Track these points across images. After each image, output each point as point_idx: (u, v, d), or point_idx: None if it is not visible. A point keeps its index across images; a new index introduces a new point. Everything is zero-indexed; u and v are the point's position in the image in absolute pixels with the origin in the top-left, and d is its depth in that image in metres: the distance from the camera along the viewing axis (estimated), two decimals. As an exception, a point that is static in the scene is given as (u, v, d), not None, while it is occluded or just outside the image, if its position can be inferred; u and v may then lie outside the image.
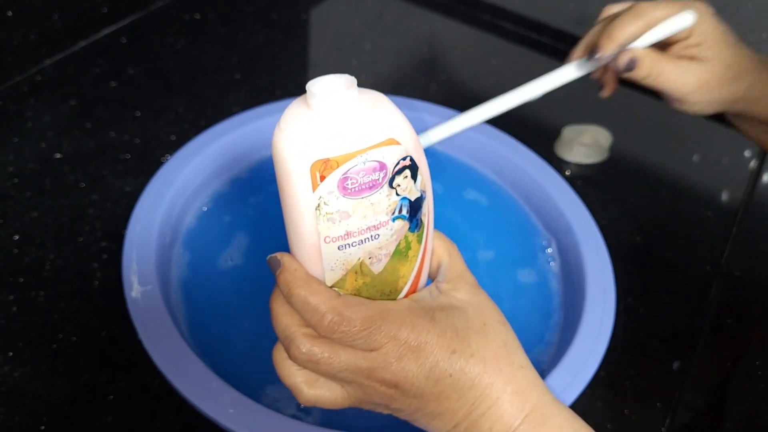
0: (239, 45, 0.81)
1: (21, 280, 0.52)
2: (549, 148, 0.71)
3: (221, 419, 0.36)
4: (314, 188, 0.28)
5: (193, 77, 0.75)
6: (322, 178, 0.28)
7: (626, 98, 0.81)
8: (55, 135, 0.65)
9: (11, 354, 0.48)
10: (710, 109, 0.49)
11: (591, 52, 0.48)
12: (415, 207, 0.30)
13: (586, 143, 0.70)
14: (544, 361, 0.45)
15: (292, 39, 0.84)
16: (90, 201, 0.59)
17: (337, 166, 0.28)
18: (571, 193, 0.54)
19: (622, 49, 0.47)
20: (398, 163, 0.29)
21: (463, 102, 0.76)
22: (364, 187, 0.28)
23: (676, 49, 0.48)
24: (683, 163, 0.72)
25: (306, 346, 0.29)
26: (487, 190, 0.58)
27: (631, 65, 0.46)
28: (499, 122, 0.59)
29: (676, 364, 0.53)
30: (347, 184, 0.28)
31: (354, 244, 0.30)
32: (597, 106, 0.78)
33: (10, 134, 0.65)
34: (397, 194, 0.30)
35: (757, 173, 0.71)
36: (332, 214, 0.29)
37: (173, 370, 0.37)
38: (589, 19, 0.90)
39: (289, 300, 0.30)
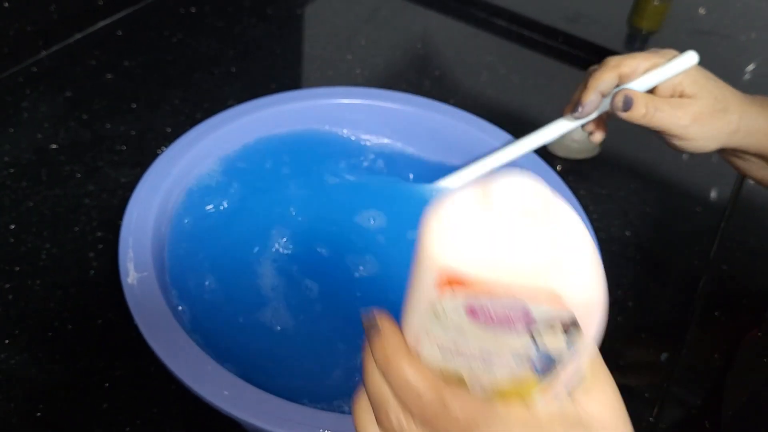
0: (235, 38, 0.82)
1: (17, 268, 0.53)
2: (541, 144, 0.72)
3: (217, 402, 0.36)
4: (441, 294, 0.22)
5: (189, 70, 0.76)
6: (454, 290, 0.22)
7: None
8: (51, 126, 0.65)
9: (8, 341, 0.48)
10: (710, 144, 0.50)
11: (575, 105, 0.50)
12: (555, 365, 0.24)
13: (577, 139, 0.71)
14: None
15: (288, 33, 0.85)
16: (86, 191, 0.60)
17: (477, 291, 0.22)
18: (564, 188, 0.55)
19: (601, 96, 0.50)
20: (554, 321, 0.22)
21: (456, 98, 0.77)
22: (496, 320, 0.22)
23: (661, 90, 0.50)
24: (673, 160, 0.73)
25: (400, 418, 0.25)
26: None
27: (627, 103, 0.48)
28: (490, 117, 0.60)
29: (664, 356, 0.54)
30: (477, 309, 0.22)
31: (460, 360, 0.24)
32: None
33: (7, 124, 0.65)
34: (537, 348, 0.23)
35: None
36: (448, 325, 0.23)
37: (169, 354, 0.38)
38: (581, 17, 0.91)
39: (384, 371, 0.25)
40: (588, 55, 0.86)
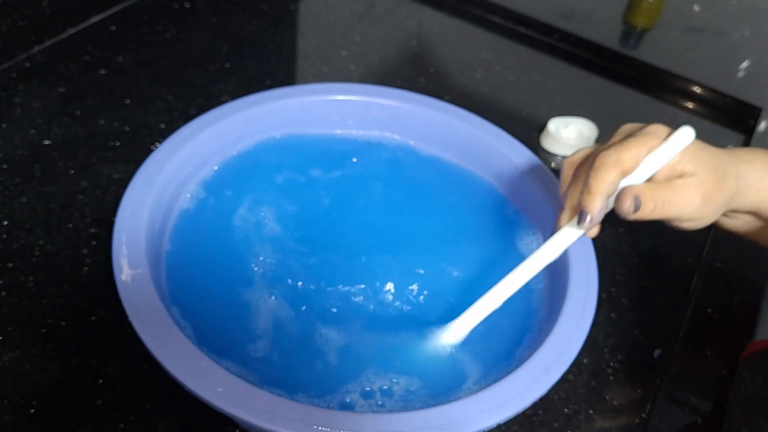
0: (229, 34, 0.82)
1: (10, 265, 0.53)
2: (535, 141, 0.72)
3: (211, 398, 0.36)
4: None
5: (183, 66, 0.75)
6: None
7: (611, 91, 0.82)
8: (44, 121, 0.65)
9: (1, 338, 0.48)
10: (716, 216, 0.46)
11: (579, 214, 0.43)
12: None
13: (571, 136, 0.71)
14: (526, 345, 0.46)
15: (282, 29, 0.85)
16: (79, 187, 0.60)
17: None
18: (557, 183, 0.55)
19: (608, 198, 0.43)
20: None
21: (450, 94, 0.77)
22: None
23: (659, 175, 0.45)
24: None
25: None
26: (470, 181, 0.58)
27: (637, 204, 0.43)
28: (485, 114, 0.60)
29: (657, 353, 0.54)
30: None
31: None
32: (582, 98, 0.79)
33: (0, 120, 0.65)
34: None
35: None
36: None
37: (162, 351, 0.38)
38: (576, 14, 0.91)
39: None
40: (583, 52, 0.87)
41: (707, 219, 0.45)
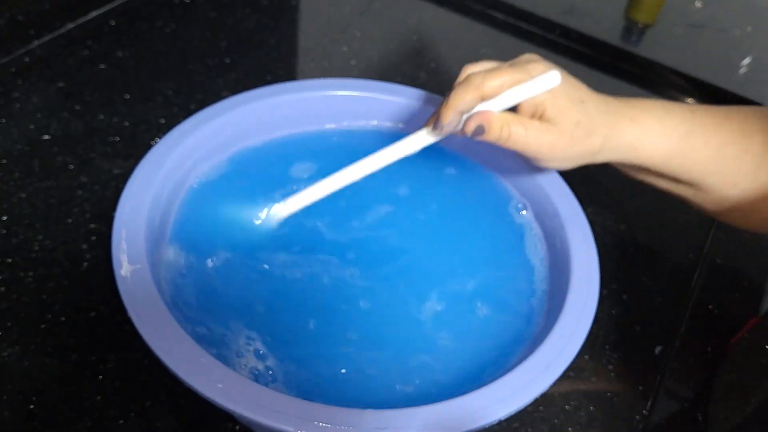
0: (229, 29, 0.81)
1: (9, 260, 0.53)
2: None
3: (211, 395, 0.36)
4: None
5: (183, 61, 0.75)
6: None
7: (612, 87, 0.82)
8: (43, 116, 0.65)
9: (0, 334, 0.48)
10: (567, 165, 0.49)
11: (435, 121, 0.48)
12: None
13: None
14: (528, 341, 0.46)
15: (282, 24, 0.84)
16: (79, 183, 0.59)
17: None
18: (560, 181, 0.55)
19: (461, 115, 0.47)
20: None
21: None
22: None
23: (524, 108, 0.47)
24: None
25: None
26: (474, 174, 0.58)
27: (479, 131, 0.46)
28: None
29: (658, 349, 0.54)
30: None
31: None
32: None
33: (-2, 115, 0.64)
34: None
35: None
36: None
37: (162, 347, 0.38)
38: (577, 10, 0.91)
39: None
40: (584, 48, 0.86)
41: (552, 164, 0.49)
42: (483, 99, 0.47)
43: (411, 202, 0.55)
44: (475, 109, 0.47)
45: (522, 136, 0.46)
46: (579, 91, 0.48)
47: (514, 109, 0.48)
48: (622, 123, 0.48)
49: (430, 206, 0.55)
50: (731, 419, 0.48)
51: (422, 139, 0.49)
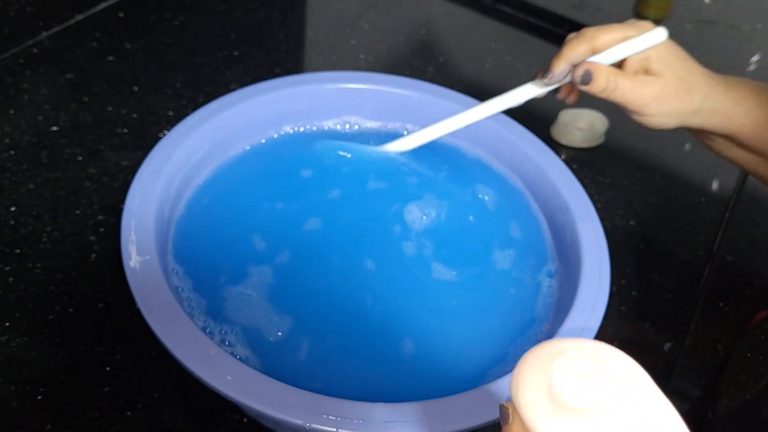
0: (237, 22, 0.81)
1: (18, 251, 0.52)
2: (545, 132, 0.71)
3: (220, 386, 0.36)
4: None
5: (191, 53, 0.75)
6: None
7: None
8: (52, 108, 0.65)
9: (8, 324, 0.48)
10: (669, 121, 0.51)
11: (545, 70, 0.51)
12: None
13: (582, 128, 0.71)
14: (538, 338, 0.46)
15: (291, 17, 0.84)
16: (87, 174, 0.59)
17: None
18: (570, 176, 0.54)
19: (572, 66, 0.50)
20: None
21: (459, 85, 0.76)
22: None
23: (630, 64, 0.50)
24: (676, 150, 0.72)
25: None
26: (487, 174, 0.58)
27: (587, 77, 0.48)
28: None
29: (667, 346, 0.54)
30: None
31: None
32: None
33: (7, 106, 0.64)
34: None
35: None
36: None
37: (171, 338, 0.37)
38: (586, 5, 0.90)
39: None
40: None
41: (655, 119, 0.50)
42: (594, 52, 0.49)
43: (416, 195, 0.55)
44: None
45: (628, 88, 0.48)
46: (682, 50, 0.51)
47: (619, 66, 0.50)
48: (719, 87, 0.50)
49: (441, 207, 0.55)
50: (740, 396, 0.48)
51: (529, 91, 0.52)
